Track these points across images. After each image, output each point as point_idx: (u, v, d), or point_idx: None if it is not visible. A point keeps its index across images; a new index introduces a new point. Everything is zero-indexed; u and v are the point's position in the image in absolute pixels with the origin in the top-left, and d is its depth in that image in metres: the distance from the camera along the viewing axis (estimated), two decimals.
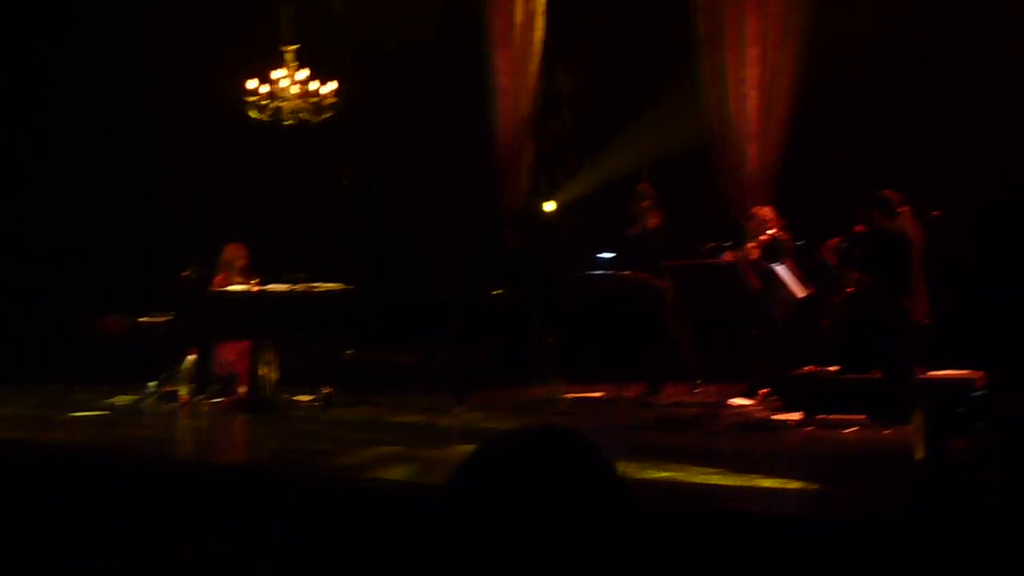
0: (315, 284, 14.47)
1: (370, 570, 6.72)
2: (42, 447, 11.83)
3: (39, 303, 17.60)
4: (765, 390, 13.30)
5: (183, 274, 15.07)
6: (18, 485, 9.72)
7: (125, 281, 16.91)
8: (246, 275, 14.88)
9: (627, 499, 2.17)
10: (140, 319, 15.34)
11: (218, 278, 14.94)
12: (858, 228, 12.81)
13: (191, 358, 15.00)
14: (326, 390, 14.49)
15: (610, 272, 14.55)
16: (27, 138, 18.48)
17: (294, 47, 15.65)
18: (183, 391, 14.96)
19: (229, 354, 14.78)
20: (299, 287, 14.43)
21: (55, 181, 18.20)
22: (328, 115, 15.80)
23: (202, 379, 15.11)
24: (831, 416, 12.14)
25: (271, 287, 14.51)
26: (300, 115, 15.74)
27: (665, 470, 9.60)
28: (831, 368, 12.54)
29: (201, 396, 15.07)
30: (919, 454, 8.82)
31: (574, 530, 2.10)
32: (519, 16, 17.35)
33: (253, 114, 15.48)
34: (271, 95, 15.52)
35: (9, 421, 13.60)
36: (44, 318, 17.40)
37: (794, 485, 9.04)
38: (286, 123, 15.76)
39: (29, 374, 16.41)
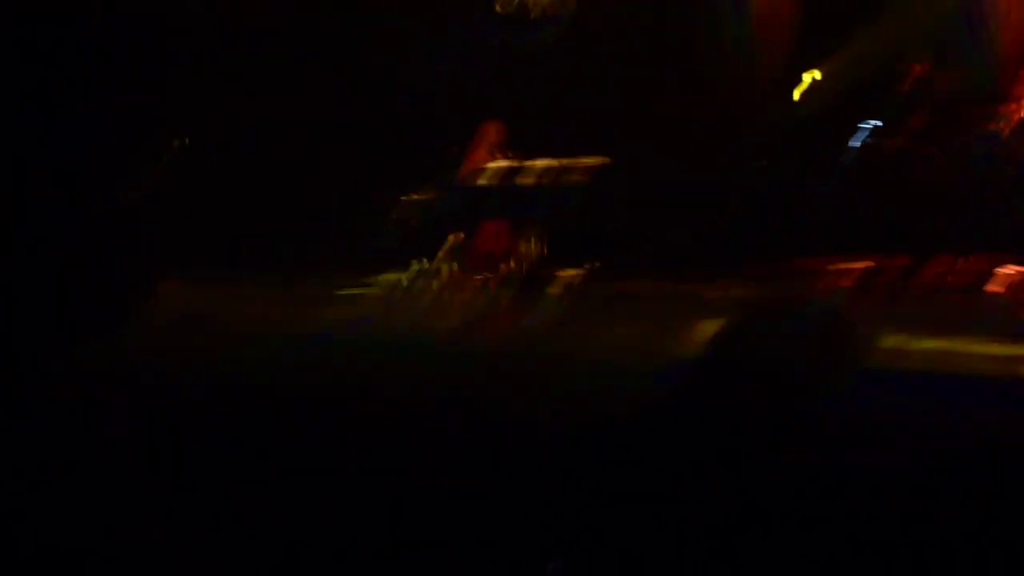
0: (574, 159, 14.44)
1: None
2: None
3: None
4: None
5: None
6: None
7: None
8: (498, 154, 14.93)
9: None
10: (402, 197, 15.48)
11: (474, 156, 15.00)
12: None
13: (453, 237, 15.13)
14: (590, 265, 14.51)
15: None
16: None
17: None
18: (446, 270, 15.13)
19: (490, 233, 14.86)
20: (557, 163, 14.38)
21: None
22: None
23: (465, 258, 15.24)
24: None
25: (530, 163, 14.49)
26: None
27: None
28: None
29: (466, 273, 15.22)
30: None
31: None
32: None
33: None
34: None
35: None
36: None
37: None
38: None
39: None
